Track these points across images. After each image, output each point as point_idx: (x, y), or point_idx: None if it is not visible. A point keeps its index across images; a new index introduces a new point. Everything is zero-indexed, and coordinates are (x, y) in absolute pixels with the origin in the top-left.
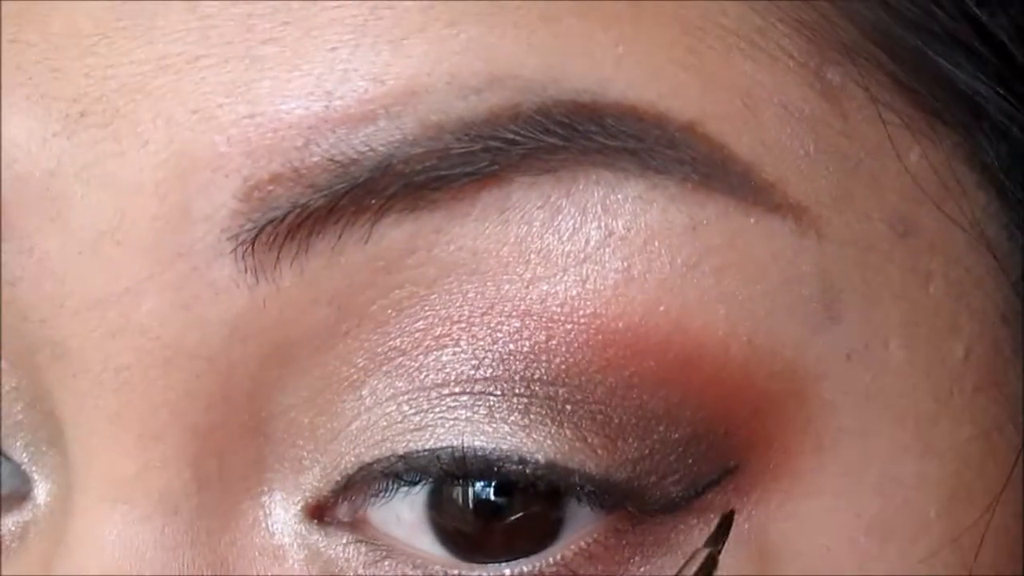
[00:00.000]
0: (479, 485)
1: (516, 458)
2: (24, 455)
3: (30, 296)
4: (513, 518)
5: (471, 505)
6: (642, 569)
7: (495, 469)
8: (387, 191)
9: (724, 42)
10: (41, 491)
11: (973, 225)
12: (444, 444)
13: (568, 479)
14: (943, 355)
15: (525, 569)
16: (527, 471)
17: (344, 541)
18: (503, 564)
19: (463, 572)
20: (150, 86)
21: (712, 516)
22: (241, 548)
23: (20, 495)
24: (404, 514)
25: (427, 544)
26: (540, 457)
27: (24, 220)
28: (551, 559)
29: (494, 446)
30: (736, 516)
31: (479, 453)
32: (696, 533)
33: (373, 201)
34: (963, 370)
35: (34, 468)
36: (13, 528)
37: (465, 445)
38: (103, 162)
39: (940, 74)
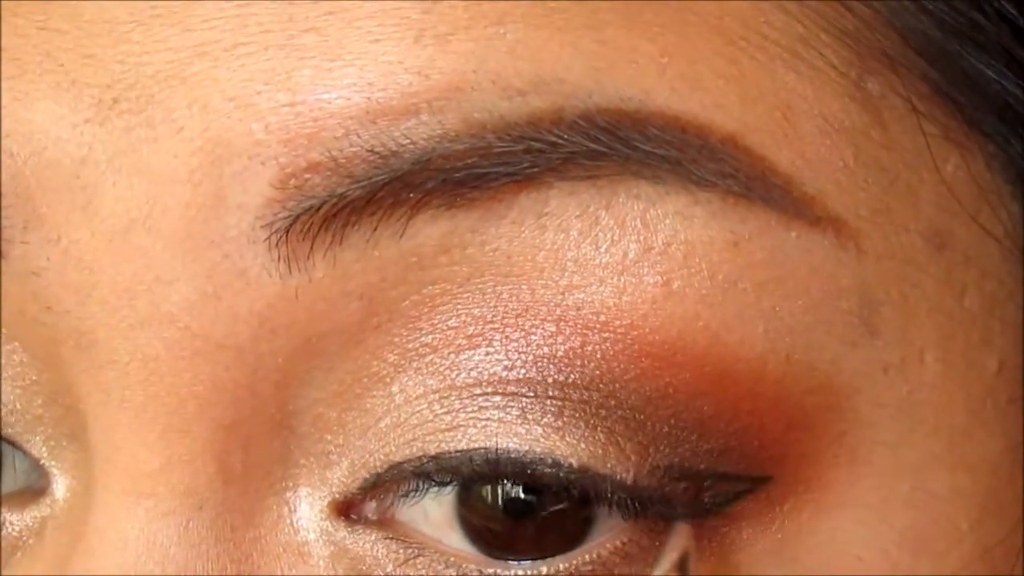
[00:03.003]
0: (509, 484)
1: (549, 461)
2: (43, 449)
3: (56, 286)
4: (543, 515)
5: (501, 503)
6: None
7: (528, 472)
8: (425, 186)
9: (766, 52)
10: (60, 486)
11: (1007, 236)
12: (476, 445)
13: (600, 484)
14: (977, 368)
15: (561, 567)
16: (560, 474)
17: (372, 538)
18: (539, 562)
19: (499, 571)
20: (186, 73)
21: (743, 524)
22: (265, 545)
23: (37, 490)
24: (432, 511)
25: (455, 541)
26: (573, 461)
27: (51, 209)
28: (587, 556)
29: (527, 448)
30: (768, 526)
31: (512, 455)
32: (727, 540)
33: (411, 195)
34: (996, 383)
35: (53, 463)
36: (31, 523)
37: (498, 447)
38: (136, 149)
39: (980, 82)
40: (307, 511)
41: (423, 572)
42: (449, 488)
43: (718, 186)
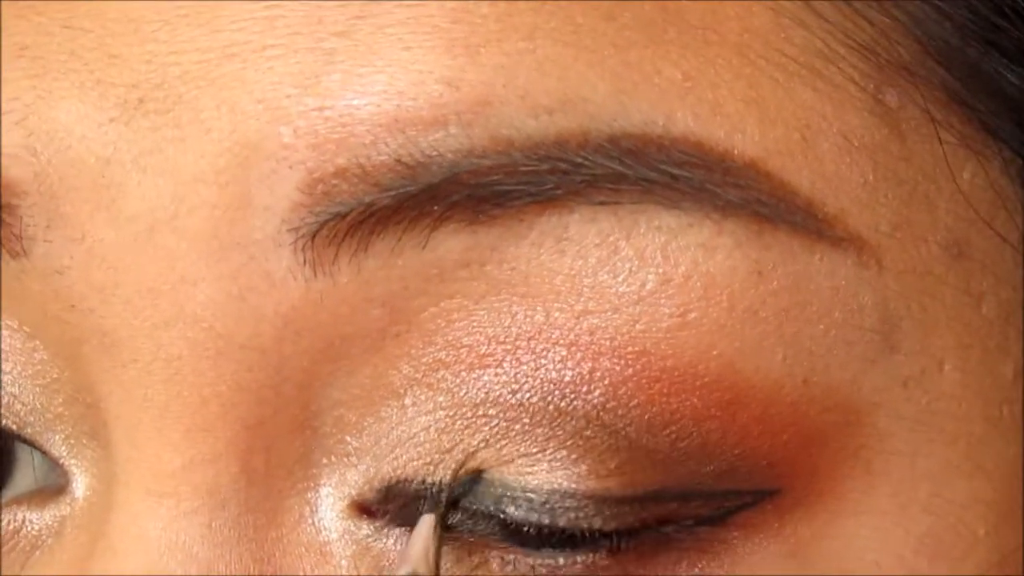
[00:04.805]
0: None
1: (524, 498)
2: (63, 448)
3: (79, 284)
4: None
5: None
6: (694, 570)
7: (517, 501)
8: (451, 199)
9: (786, 71)
10: (79, 485)
11: (1021, 242)
12: (471, 466)
13: (588, 514)
14: (994, 375)
15: (579, 559)
16: (557, 507)
17: (395, 536)
18: (558, 552)
19: (530, 559)
20: (214, 74)
21: (750, 531)
22: (288, 544)
23: (57, 489)
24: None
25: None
26: (569, 489)
27: (75, 208)
28: (604, 551)
29: (515, 475)
30: (781, 531)
31: (504, 482)
32: (737, 545)
33: (436, 207)
34: (1012, 389)
35: (73, 461)
36: (50, 522)
37: (490, 472)
38: (162, 149)
39: (999, 87)
40: (329, 511)
41: (451, 569)
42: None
43: (742, 212)
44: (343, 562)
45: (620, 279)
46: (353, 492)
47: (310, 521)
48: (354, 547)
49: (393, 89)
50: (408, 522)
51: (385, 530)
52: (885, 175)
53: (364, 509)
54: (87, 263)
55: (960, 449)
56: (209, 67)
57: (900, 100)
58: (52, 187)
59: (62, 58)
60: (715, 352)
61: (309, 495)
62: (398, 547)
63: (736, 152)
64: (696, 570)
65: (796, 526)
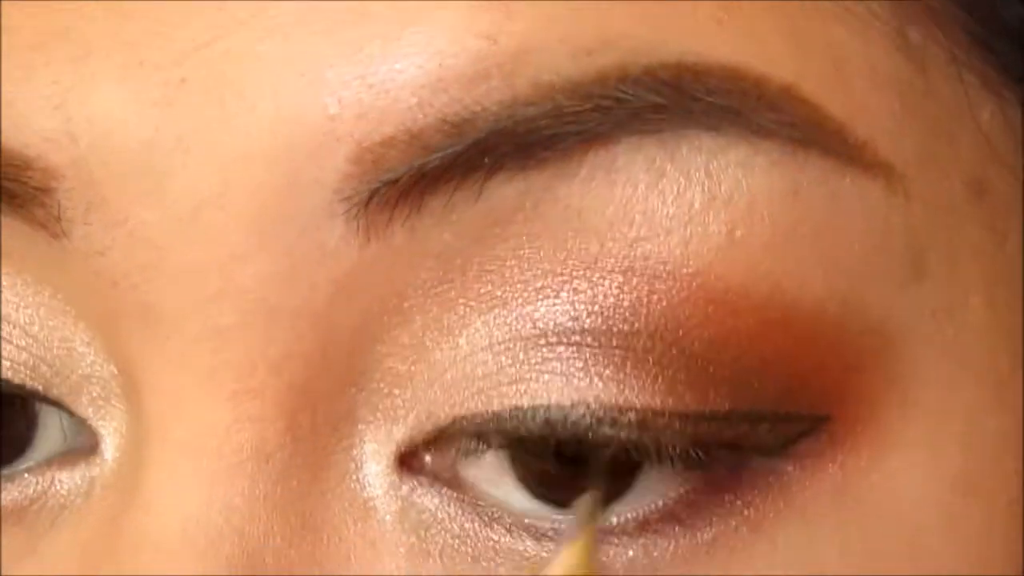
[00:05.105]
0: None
1: (609, 419)
2: (90, 410)
3: (122, 264)
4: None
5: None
6: (745, 512)
7: (588, 435)
8: (499, 150)
9: (817, 8)
10: (108, 446)
11: None
12: (536, 403)
13: (660, 436)
14: (1017, 315)
15: (629, 516)
16: (620, 434)
17: (440, 494)
18: (608, 512)
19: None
20: (257, 50)
21: (806, 463)
22: (330, 500)
23: (87, 450)
24: (487, 457)
25: (509, 487)
26: (632, 416)
27: (117, 192)
28: (652, 505)
29: (586, 406)
30: (830, 465)
31: (571, 417)
32: (792, 480)
33: (486, 160)
34: None
35: (101, 423)
36: (79, 482)
37: (557, 404)
38: (206, 130)
39: (1016, 31)
40: (374, 467)
41: (499, 535)
42: (507, 450)
43: (776, 135)
44: (387, 518)
45: (669, 201)
46: (401, 447)
47: (354, 477)
48: (399, 503)
49: (433, 48)
50: (455, 478)
51: (432, 488)
52: (911, 109)
53: (411, 464)
54: (130, 244)
55: (988, 385)
56: (251, 43)
57: (923, 39)
58: (92, 172)
59: (104, 40)
60: (763, 270)
61: (354, 452)
62: (445, 506)
63: (771, 77)
64: (751, 509)
65: (845, 458)
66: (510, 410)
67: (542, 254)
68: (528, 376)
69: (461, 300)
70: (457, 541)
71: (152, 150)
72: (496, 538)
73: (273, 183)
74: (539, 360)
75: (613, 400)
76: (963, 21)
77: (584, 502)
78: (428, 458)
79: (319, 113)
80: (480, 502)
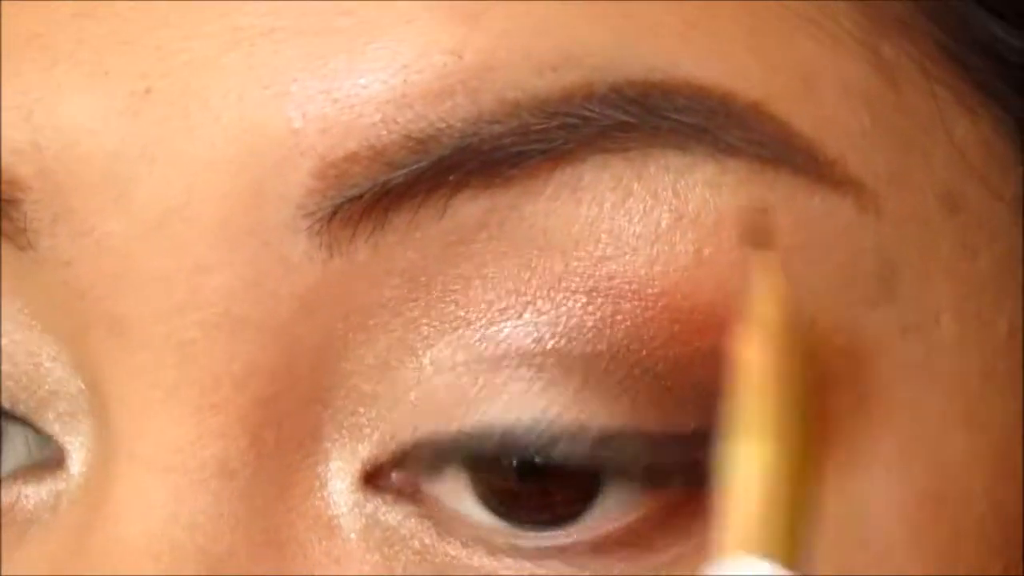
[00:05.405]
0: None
1: (568, 436)
2: (56, 426)
3: (88, 275)
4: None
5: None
6: (708, 532)
7: (547, 451)
8: (464, 167)
9: (785, 21)
10: (75, 461)
11: (1014, 199)
12: (496, 420)
13: (620, 455)
14: (989, 331)
15: (588, 535)
16: (579, 451)
17: (404, 512)
18: (570, 527)
19: (526, 543)
20: (222, 60)
21: None
22: (295, 517)
23: (53, 464)
24: (447, 473)
25: (468, 504)
26: (593, 434)
27: (83, 202)
28: (613, 525)
29: (546, 423)
30: None
31: (532, 432)
32: None
33: (451, 177)
34: (1007, 346)
35: (67, 439)
36: (46, 497)
37: (518, 422)
38: (171, 139)
39: (989, 44)
40: (338, 484)
41: (456, 550)
42: (467, 469)
43: (744, 153)
44: (352, 535)
45: (636, 220)
46: (366, 465)
47: (319, 495)
48: (363, 520)
49: (398, 64)
50: (418, 494)
51: (396, 505)
52: (883, 124)
53: (375, 482)
54: (96, 255)
55: (958, 403)
56: (216, 53)
57: (896, 54)
58: (58, 183)
59: (71, 48)
60: (730, 289)
61: (319, 468)
62: (407, 522)
63: (738, 95)
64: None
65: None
66: (471, 429)
67: (506, 273)
68: (489, 396)
69: (424, 320)
70: (418, 558)
71: (118, 160)
72: (453, 553)
73: (237, 193)
74: (501, 381)
75: (574, 419)
76: (936, 36)
77: None
78: (393, 475)
79: (283, 126)
80: (439, 515)
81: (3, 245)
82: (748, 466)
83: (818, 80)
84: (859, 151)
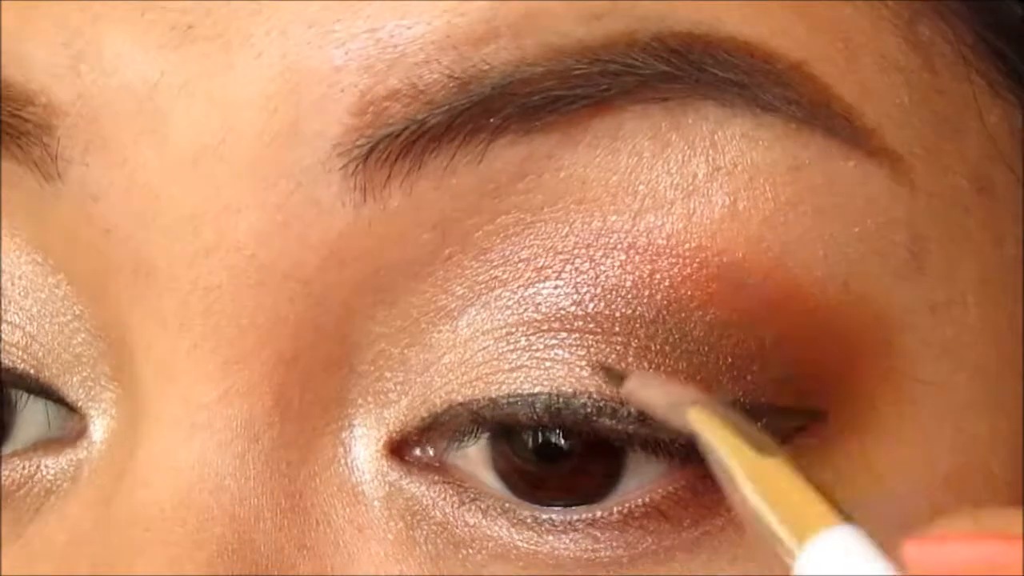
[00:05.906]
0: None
1: (609, 410)
2: (80, 392)
3: (117, 211)
4: (576, 460)
5: (533, 447)
6: (733, 511)
7: (590, 424)
8: (504, 111)
9: None
10: (98, 428)
11: None
12: (538, 390)
13: (658, 430)
14: (1011, 315)
15: (615, 509)
16: (619, 427)
17: (427, 481)
18: (594, 506)
19: (552, 515)
20: None
21: (802, 462)
22: (319, 483)
23: (71, 437)
24: (469, 450)
25: (489, 481)
26: (633, 408)
27: (119, 132)
28: (639, 500)
29: (588, 394)
30: (824, 464)
31: (573, 404)
32: None
33: (490, 120)
34: None
35: (91, 404)
36: (66, 467)
37: (560, 392)
38: (211, 75)
39: (1021, 35)
40: (362, 451)
41: (479, 518)
42: (502, 438)
43: (781, 111)
44: (375, 503)
45: (673, 170)
46: (391, 432)
47: (343, 462)
48: (387, 488)
49: (442, 6)
50: (442, 465)
51: (420, 474)
52: (919, 100)
53: (398, 449)
54: (127, 188)
55: (982, 385)
56: None
57: (932, 35)
58: (95, 110)
59: None
60: (764, 245)
61: (343, 435)
62: (430, 492)
63: (782, 53)
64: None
65: (839, 458)
66: (509, 397)
67: (544, 229)
68: (530, 364)
69: (459, 280)
70: (439, 527)
71: (156, 92)
72: (473, 522)
73: (273, 131)
74: (541, 348)
75: (615, 392)
76: (972, 24)
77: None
78: (418, 445)
79: (325, 64)
80: (462, 486)
81: (32, 175)
82: None
83: (859, 49)
84: (897, 124)
